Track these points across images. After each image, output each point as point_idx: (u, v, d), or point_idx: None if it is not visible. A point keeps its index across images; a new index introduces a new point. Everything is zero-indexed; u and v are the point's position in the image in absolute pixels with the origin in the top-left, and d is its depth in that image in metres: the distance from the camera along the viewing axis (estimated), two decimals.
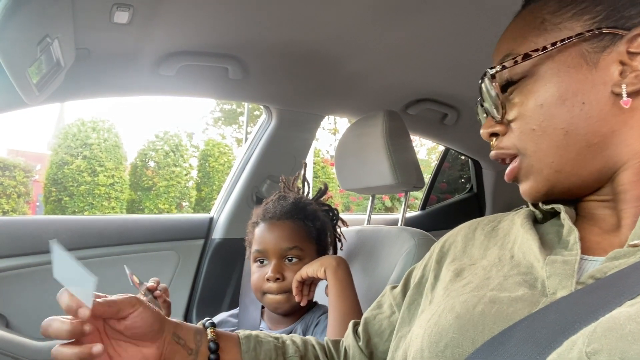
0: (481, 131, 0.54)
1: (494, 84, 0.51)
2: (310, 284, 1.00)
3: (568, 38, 0.46)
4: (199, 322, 0.62)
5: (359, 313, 0.90)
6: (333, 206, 1.17)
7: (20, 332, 1.23)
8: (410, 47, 1.17)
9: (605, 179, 0.47)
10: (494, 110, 0.52)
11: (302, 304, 0.97)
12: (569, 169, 0.47)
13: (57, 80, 0.98)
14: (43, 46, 0.82)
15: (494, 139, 0.53)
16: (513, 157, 0.51)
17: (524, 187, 0.52)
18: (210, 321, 0.61)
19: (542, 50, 0.47)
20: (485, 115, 0.55)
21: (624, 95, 0.44)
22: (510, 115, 0.50)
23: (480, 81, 0.52)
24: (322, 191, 1.16)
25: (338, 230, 1.17)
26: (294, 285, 0.97)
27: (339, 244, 1.17)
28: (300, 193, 1.14)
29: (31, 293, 1.27)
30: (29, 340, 1.21)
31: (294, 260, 0.99)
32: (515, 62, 0.49)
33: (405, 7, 0.98)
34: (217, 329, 0.60)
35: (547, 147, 0.48)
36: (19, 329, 1.24)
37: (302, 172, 1.21)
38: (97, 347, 0.45)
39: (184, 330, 0.57)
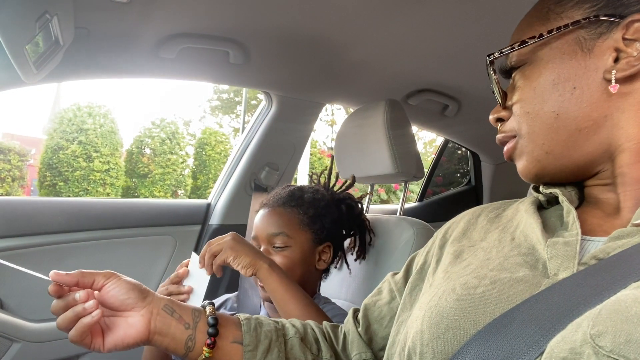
0: (489, 117, 0.57)
1: (493, 70, 0.53)
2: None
3: (564, 26, 0.48)
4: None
5: (316, 310, 0.82)
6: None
7: (14, 313, 1.23)
8: (413, 37, 1.16)
9: (600, 161, 0.48)
10: (498, 96, 0.55)
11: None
12: (560, 151, 0.49)
13: (55, 59, 0.96)
14: (42, 23, 0.80)
15: (499, 124, 0.56)
16: (512, 138, 0.54)
17: (518, 166, 0.54)
18: (209, 302, 0.61)
19: (538, 38, 0.49)
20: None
21: (613, 80, 0.45)
22: (512, 100, 0.53)
23: (486, 68, 0.54)
24: (349, 184, 1.17)
25: (366, 223, 1.13)
26: (204, 255, 0.86)
27: (368, 237, 1.12)
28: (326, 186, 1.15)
29: (26, 274, 1.26)
30: (23, 322, 1.21)
31: (282, 247, 0.96)
32: (512, 49, 0.51)
33: None
34: (217, 311, 0.61)
35: (540, 130, 0.49)
36: (13, 310, 1.24)
37: (330, 166, 1.20)
38: (90, 303, 0.53)
39: (181, 307, 0.59)
